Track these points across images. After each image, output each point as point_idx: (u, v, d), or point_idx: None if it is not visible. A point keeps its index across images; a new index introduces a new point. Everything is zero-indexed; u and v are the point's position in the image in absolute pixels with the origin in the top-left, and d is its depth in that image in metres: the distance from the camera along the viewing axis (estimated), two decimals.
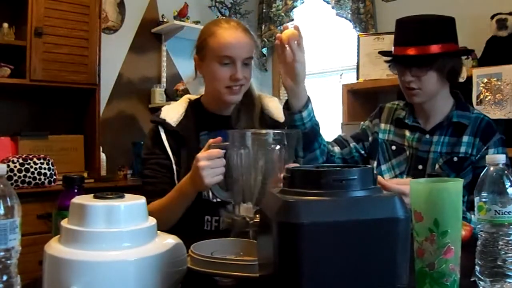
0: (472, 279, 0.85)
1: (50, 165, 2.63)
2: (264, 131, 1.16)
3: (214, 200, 1.41)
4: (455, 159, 1.49)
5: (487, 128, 1.50)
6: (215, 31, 1.42)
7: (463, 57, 2.50)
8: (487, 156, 0.86)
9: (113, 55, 3.35)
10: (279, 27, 3.75)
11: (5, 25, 2.75)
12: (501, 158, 0.83)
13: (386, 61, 1.61)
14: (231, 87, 1.42)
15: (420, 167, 1.53)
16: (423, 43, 1.46)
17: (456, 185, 0.80)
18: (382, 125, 1.67)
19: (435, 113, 1.56)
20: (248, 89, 1.51)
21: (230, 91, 1.43)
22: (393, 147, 1.61)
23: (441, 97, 1.55)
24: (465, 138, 1.50)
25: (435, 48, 1.46)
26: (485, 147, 1.48)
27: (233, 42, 1.40)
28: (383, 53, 1.64)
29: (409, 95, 1.54)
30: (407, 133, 1.60)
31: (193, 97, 1.59)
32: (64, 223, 0.79)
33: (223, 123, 1.49)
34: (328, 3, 3.41)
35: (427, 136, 1.55)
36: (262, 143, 1.12)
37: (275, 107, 1.56)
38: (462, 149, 1.49)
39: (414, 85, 1.49)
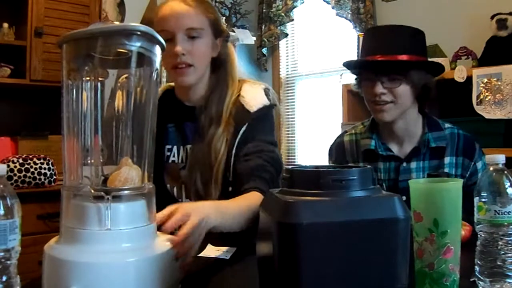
0: (471, 279, 0.85)
1: (50, 165, 2.63)
2: None
3: (179, 200, 1.35)
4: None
5: (466, 144, 1.45)
6: (157, 8, 1.33)
7: (464, 58, 2.52)
8: (487, 156, 0.86)
9: None
10: (279, 27, 3.75)
11: (5, 25, 2.74)
12: (501, 158, 0.83)
13: (354, 72, 1.51)
14: (176, 67, 1.29)
15: (404, 198, 1.41)
16: (390, 52, 1.37)
17: (456, 185, 0.80)
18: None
19: (408, 136, 1.46)
20: (221, 73, 1.38)
21: (176, 72, 1.30)
22: None
23: (411, 117, 1.45)
24: (447, 159, 1.44)
25: (403, 58, 1.37)
26: (473, 163, 1.44)
27: (169, 14, 1.28)
28: (349, 62, 1.50)
29: (378, 111, 1.41)
30: (381, 165, 1.47)
31: (173, 85, 1.48)
32: (64, 223, 0.79)
33: (190, 113, 1.38)
34: (328, 3, 3.41)
35: (404, 164, 1.44)
36: None
37: (252, 94, 1.36)
38: (446, 170, 1.43)
39: (386, 98, 1.38)
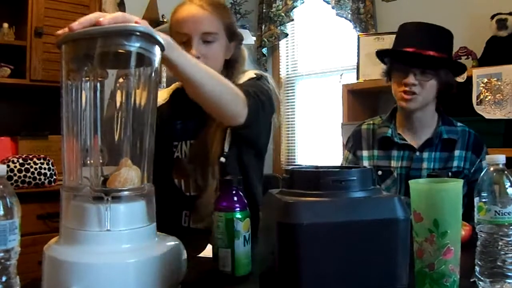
0: (472, 280, 0.85)
1: (50, 165, 2.63)
2: None
3: (187, 194, 1.38)
4: (450, 174, 1.49)
5: (476, 141, 1.54)
6: (174, 11, 1.36)
7: (464, 58, 2.52)
8: (487, 156, 0.86)
9: None
10: (279, 27, 3.75)
11: (5, 25, 2.74)
12: (501, 158, 0.83)
13: (386, 61, 1.59)
14: None
15: None
16: (427, 48, 1.46)
17: (456, 186, 0.80)
18: (365, 153, 1.62)
19: (422, 127, 1.55)
20: (229, 73, 1.39)
21: None
22: (379, 172, 1.56)
23: (430, 111, 1.55)
24: (457, 153, 1.52)
25: (439, 55, 1.47)
26: (479, 160, 1.52)
27: (186, 17, 1.32)
28: (386, 51, 1.59)
29: (405, 100, 1.50)
30: (395, 152, 1.56)
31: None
32: (64, 224, 0.79)
33: (197, 108, 1.37)
34: (328, 3, 3.41)
35: (417, 153, 1.53)
36: None
37: (242, 76, 1.40)
38: (455, 163, 1.51)
39: (415, 89, 1.48)
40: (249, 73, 1.40)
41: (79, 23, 0.78)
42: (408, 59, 1.49)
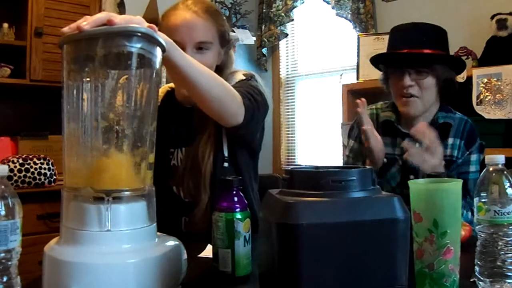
0: (471, 280, 0.85)
1: (50, 165, 2.63)
2: None
3: (186, 200, 1.37)
4: (443, 162, 1.43)
5: (471, 132, 1.50)
6: (167, 14, 1.31)
7: (464, 58, 2.52)
8: (486, 157, 0.86)
9: None
10: (279, 27, 3.75)
11: (5, 25, 2.74)
12: (501, 158, 0.84)
13: (381, 64, 1.57)
14: None
15: (412, 177, 1.43)
16: (415, 46, 1.45)
17: (455, 186, 0.80)
18: None
19: (422, 120, 1.50)
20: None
21: None
22: (384, 160, 1.50)
23: (432, 112, 1.53)
24: (450, 140, 1.49)
25: (427, 51, 1.45)
26: (468, 152, 1.47)
27: (180, 25, 1.26)
28: (378, 56, 1.56)
29: (404, 104, 1.48)
30: (399, 140, 1.52)
31: (173, 86, 1.49)
32: (65, 224, 0.79)
33: (188, 115, 1.40)
34: (328, 3, 3.41)
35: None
36: None
37: (231, 79, 1.37)
38: (448, 151, 1.47)
39: (413, 91, 1.45)
40: (239, 75, 1.39)
41: (88, 23, 0.77)
42: (401, 61, 1.47)
